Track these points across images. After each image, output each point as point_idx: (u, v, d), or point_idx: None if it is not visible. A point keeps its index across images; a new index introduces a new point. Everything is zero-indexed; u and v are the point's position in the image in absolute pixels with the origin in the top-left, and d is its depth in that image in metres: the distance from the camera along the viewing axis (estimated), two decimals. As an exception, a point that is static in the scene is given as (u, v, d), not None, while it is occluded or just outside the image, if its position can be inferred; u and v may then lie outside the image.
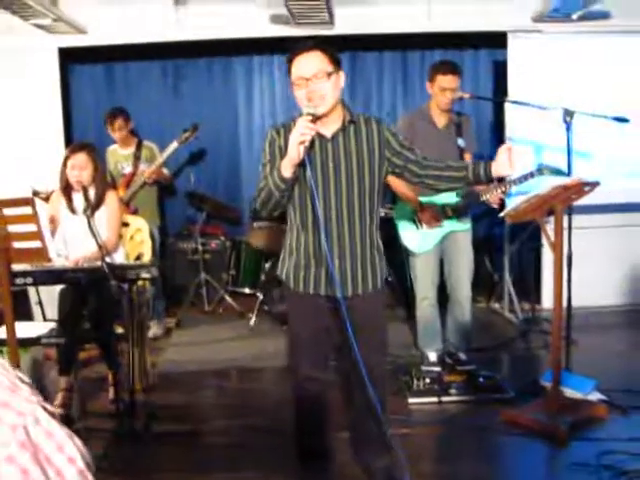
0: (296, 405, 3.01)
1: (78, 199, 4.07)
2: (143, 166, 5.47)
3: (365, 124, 2.79)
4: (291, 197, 2.75)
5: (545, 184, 3.56)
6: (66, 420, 3.83)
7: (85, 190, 3.97)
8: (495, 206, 4.36)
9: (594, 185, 3.59)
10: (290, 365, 3.04)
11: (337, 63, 2.69)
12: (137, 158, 5.48)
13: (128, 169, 5.45)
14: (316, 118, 2.59)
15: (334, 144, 2.74)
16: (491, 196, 4.32)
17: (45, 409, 1.09)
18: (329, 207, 2.74)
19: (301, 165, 2.60)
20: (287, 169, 2.57)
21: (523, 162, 2.67)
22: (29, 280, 3.55)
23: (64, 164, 4.11)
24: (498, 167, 2.70)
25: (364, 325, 2.75)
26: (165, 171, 5.63)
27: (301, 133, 2.50)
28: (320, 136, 2.70)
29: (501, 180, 4.72)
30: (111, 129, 5.42)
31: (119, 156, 5.47)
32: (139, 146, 5.53)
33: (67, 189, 4.13)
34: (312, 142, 2.63)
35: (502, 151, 2.69)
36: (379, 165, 2.79)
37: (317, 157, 2.71)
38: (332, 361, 3.00)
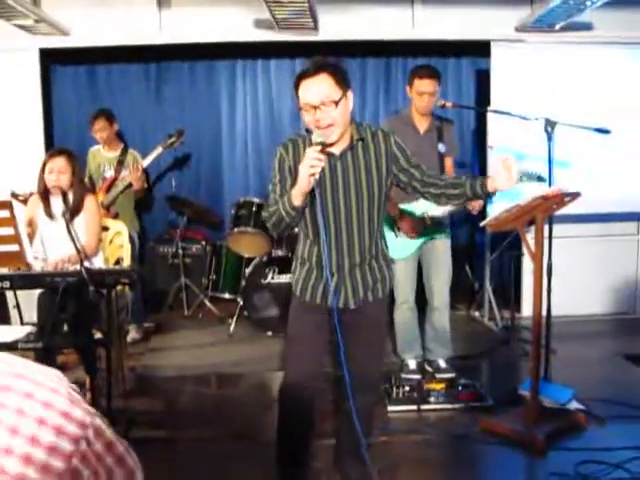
0: (282, 410, 2.99)
1: (56, 203, 4.03)
2: (125, 172, 5.43)
3: (372, 139, 2.77)
4: (303, 215, 2.77)
5: (526, 193, 3.56)
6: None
7: (64, 194, 3.94)
8: (475, 212, 4.38)
9: (575, 195, 3.61)
10: (285, 369, 3.00)
11: (346, 84, 2.65)
12: (120, 163, 5.44)
13: (110, 172, 5.40)
14: (326, 146, 2.59)
15: (343, 162, 2.74)
16: (471, 202, 4.33)
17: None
18: (339, 221, 2.76)
19: (320, 177, 2.62)
20: (297, 198, 2.59)
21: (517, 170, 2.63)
22: (6, 284, 3.50)
23: (42, 169, 4.08)
24: (496, 181, 2.65)
25: (367, 332, 2.83)
26: (142, 178, 5.55)
27: (310, 165, 2.50)
28: (329, 154, 2.68)
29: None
30: (92, 130, 5.37)
31: (102, 158, 5.42)
32: (124, 151, 5.49)
33: (45, 193, 4.09)
34: (320, 175, 2.62)
35: (501, 165, 2.64)
36: (385, 179, 2.79)
37: (326, 175, 2.71)
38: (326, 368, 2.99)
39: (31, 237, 4.11)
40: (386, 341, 3.07)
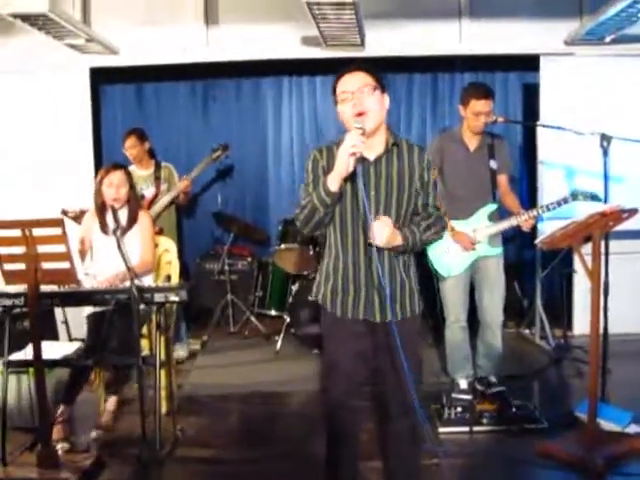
0: (329, 432, 2.93)
1: (112, 219, 4.05)
2: (163, 187, 5.47)
3: (408, 150, 2.77)
4: (332, 219, 2.73)
5: (580, 211, 3.48)
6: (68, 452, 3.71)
7: (114, 210, 3.96)
8: (526, 229, 4.30)
9: (633, 212, 3.50)
10: (324, 390, 2.97)
11: (382, 84, 2.71)
12: (157, 179, 5.48)
13: (147, 190, 5.44)
14: (365, 134, 2.57)
15: (376, 168, 2.71)
16: (523, 221, 4.26)
17: None
18: (369, 229, 2.70)
19: (347, 181, 2.60)
20: (334, 182, 2.56)
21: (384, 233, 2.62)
22: (56, 301, 3.53)
23: (99, 183, 4.11)
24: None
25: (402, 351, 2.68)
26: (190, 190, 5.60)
27: (352, 145, 2.49)
28: (363, 159, 2.66)
29: (533, 206, 4.67)
30: (124, 148, 5.43)
31: (137, 177, 5.43)
32: (157, 167, 5.53)
33: (101, 209, 4.12)
34: (361, 159, 2.60)
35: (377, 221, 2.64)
36: (416, 190, 2.77)
37: (359, 180, 2.66)
38: (366, 387, 2.92)
39: (84, 254, 4.14)
40: (422, 360, 2.96)
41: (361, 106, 2.62)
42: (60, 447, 3.70)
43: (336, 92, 2.70)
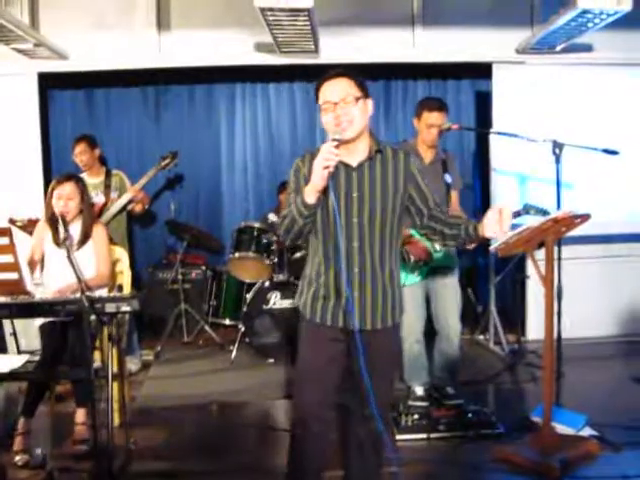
0: (295, 442, 2.89)
1: (62, 230, 3.94)
2: (113, 195, 5.37)
3: (393, 156, 2.75)
4: (314, 226, 2.71)
5: (532, 220, 3.51)
6: (44, 458, 3.65)
7: (64, 221, 3.85)
8: (469, 248, 4.31)
9: (585, 217, 3.55)
10: (296, 400, 2.90)
11: (365, 90, 2.68)
12: (107, 187, 5.37)
13: (97, 198, 5.32)
14: (342, 143, 2.56)
15: (359, 174, 2.69)
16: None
17: None
18: (352, 238, 2.69)
19: (325, 192, 2.57)
20: (310, 195, 2.54)
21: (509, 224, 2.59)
22: (5, 312, 3.41)
23: (50, 194, 4.00)
24: (486, 226, 2.58)
25: (376, 360, 2.67)
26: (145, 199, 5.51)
27: (325, 158, 2.47)
28: (345, 165, 2.66)
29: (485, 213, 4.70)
30: (74, 155, 5.32)
31: (87, 185, 5.34)
32: (108, 175, 5.43)
33: (53, 220, 4.00)
34: (336, 170, 2.58)
35: (494, 211, 2.58)
36: (402, 198, 2.74)
37: (342, 186, 2.67)
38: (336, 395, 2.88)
39: (34, 264, 4.02)
40: (397, 371, 2.95)
41: (344, 117, 2.60)
42: (19, 459, 3.64)
43: (319, 98, 2.68)
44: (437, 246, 4.29)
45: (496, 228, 2.55)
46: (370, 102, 2.71)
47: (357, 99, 2.62)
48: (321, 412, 2.77)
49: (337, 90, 2.63)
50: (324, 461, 2.90)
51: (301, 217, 2.59)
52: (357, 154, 2.69)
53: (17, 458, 3.65)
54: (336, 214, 2.58)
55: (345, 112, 2.60)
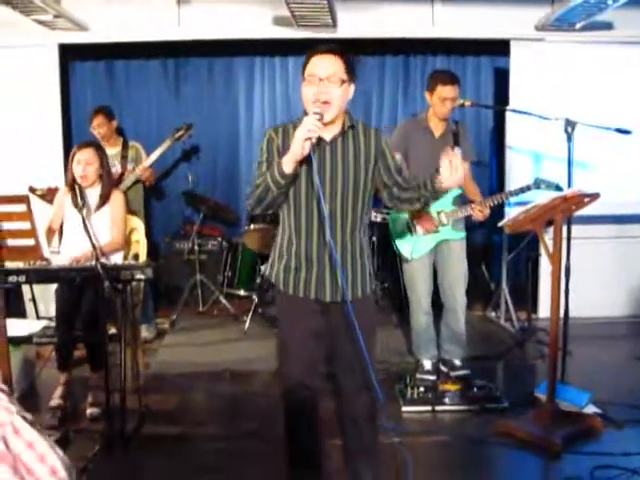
0: (286, 411, 2.95)
1: (79, 197, 4.04)
2: (130, 166, 5.43)
3: (364, 131, 2.79)
4: (286, 198, 2.74)
5: (544, 195, 3.53)
6: (61, 419, 3.82)
7: (81, 188, 3.94)
8: (478, 219, 4.33)
9: (594, 197, 3.56)
10: (280, 370, 3.00)
11: (352, 74, 2.69)
12: (124, 158, 5.44)
13: (113, 169, 5.39)
14: (322, 120, 2.57)
15: (332, 148, 2.72)
16: (476, 210, 4.29)
17: (25, 418, 1.06)
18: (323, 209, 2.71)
19: (302, 163, 2.60)
20: (289, 164, 2.56)
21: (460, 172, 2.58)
22: (22, 278, 3.50)
23: (71, 160, 4.11)
24: (444, 180, 2.61)
25: (353, 330, 2.67)
26: (152, 174, 5.56)
27: (308, 129, 2.49)
28: (319, 140, 2.68)
29: (499, 191, 4.72)
30: (91, 127, 5.39)
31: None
32: (125, 146, 5.49)
33: (73, 185, 4.10)
34: (317, 144, 2.61)
35: (444, 165, 2.59)
36: (372, 173, 2.79)
37: (314, 159, 2.67)
38: (322, 366, 2.95)
39: (53, 232, 4.13)
40: (377, 339, 2.98)
41: (326, 95, 2.60)
42: (53, 403, 3.93)
43: (305, 68, 2.67)
44: (444, 219, 4.33)
45: (450, 179, 2.58)
46: (353, 88, 2.70)
47: (342, 82, 2.63)
48: (307, 381, 2.82)
49: (325, 66, 2.62)
50: (317, 427, 2.95)
51: (276, 187, 2.61)
52: (331, 129, 2.70)
53: (51, 402, 3.92)
54: (318, 183, 2.59)
55: (327, 91, 2.60)
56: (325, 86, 2.61)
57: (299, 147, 2.51)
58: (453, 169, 2.57)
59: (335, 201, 2.73)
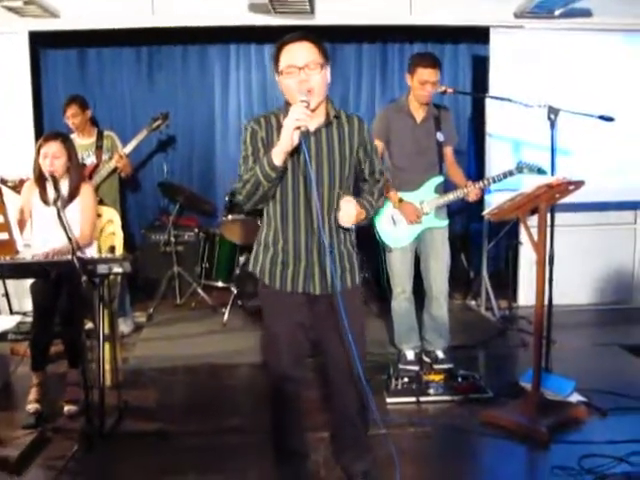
0: (273, 404, 2.94)
1: (52, 190, 3.90)
2: (105, 156, 5.32)
3: (348, 121, 2.76)
4: (277, 186, 2.68)
5: (526, 184, 3.49)
6: (38, 417, 3.72)
7: (55, 180, 3.80)
8: (472, 200, 4.32)
9: (579, 184, 3.54)
10: (267, 363, 2.97)
11: (327, 57, 2.64)
12: (99, 148, 5.32)
13: (88, 159, 5.29)
14: (309, 108, 2.51)
15: (317, 139, 2.68)
16: (469, 192, 4.27)
17: None
18: (309, 200, 2.68)
19: (293, 154, 2.55)
20: (279, 156, 2.50)
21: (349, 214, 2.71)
22: (-5, 273, 3.40)
23: (37, 152, 3.95)
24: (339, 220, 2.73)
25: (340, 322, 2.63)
26: (129, 163, 5.45)
27: (297, 118, 2.44)
28: (307, 131, 2.61)
29: (480, 178, 4.69)
30: (65, 117, 5.26)
31: (78, 146, 5.23)
32: (100, 136, 5.38)
33: (41, 179, 3.96)
34: (306, 132, 2.55)
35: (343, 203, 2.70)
36: (356, 161, 2.78)
37: (304, 154, 2.62)
38: (308, 359, 2.92)
39: (23, 224, 3.99)
40: (365, 330, 2.95)
41: (308, 83, 2.55)
42: (30, 407, 3.78)
43: (279, 61, 2.61)
44: (426, 208, 4.29)
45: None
46: (328, 70, 2.65)
47: (321, 66, 2.58)
48: (293, 373, 2.82)
49: (302, 54, 2.57)
50: (303, 420, 2.96)
51: (267, 180, 2.55)
52: (315, 120, 2.65)
53: (29, 407, 3.77)
54: (310, 174, 2.53)
55: (309, 78, 2.56)
56: (306, 74, 2.56)
57: (288, 137, 2.46)
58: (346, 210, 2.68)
59: (322, 191, 2.68)
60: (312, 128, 2.65)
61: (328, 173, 2.68)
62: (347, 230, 2.80)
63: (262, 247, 2.82)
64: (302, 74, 2.55)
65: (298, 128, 2.45)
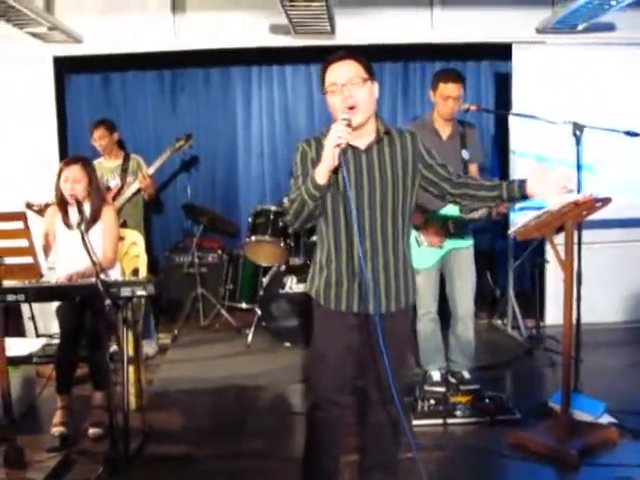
0: (311, 427, 2.89)
1: (74, 213, 3.92)
2: (130, 179, 5.36)
3: (399, 136, 2.73)
4: (324, 210, 2.67)
5: (550, 201, 3.44)
6: (63, 440, 3.72)
7: (79, 204, 3.83)
8: (498, 217, 4.28)
9: (606, 201, 3.48)
10: (312, 385, 2.92)
11: (371, 73, 2.64)
12: (124, 171, 5.37)
13: (113, 182, 5.33)
14: (350, 126, 2.50)
15: (368, 156, 2.66)
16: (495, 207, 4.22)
17: None
18: (363, 220, 2.65)
19: (336, 172, 2.53)
20: (321, 175, 2.49)
21: (561, 182, 2.60)
22: (21, 297, 3.40)
23: (58, 177, 3.98)
24: (535, 186, 2.62)
25: (391, 344, 2.58)
26: (152, 185, 5.47)
27: (337, 136, 2.43)
28: (353, 148, 2.63)
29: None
30: (92, 139, 5.31)
31: (104, 169, 5.31)
32: (126, 159, 5.43)
33: (63, 203, 4.00)
34: (346, 151, 2.55)
35: (536, 170, 2.62)
36: (412, 178, 2.72)
37: (351, 170, 2.62)
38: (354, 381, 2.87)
39: (48, 248, 4.02)
40: (409, 354, 2.92)
41: (351, 99, 2.56)
42: (55, 430, 3.78)
43: (325, 82, 2.63)
44: (451, 227, 4.25)
45: (541, 184, 2.59)
46: (376, 85, 2.66)
47: (364, 81, 2.58)
48: (338, 397, 2.77)
49: (343, 72, 2.58)
50: (340, 446, 2.91)
51: (312, 199, 2.54)
52: (365, 137, 2.65)
53: (54, 430, 3.78)
54: (347, 192, 2.52)
55: (352, 94, 2.56)
56: (348, 90, 2.56)
57: (330, 156, 2.45)
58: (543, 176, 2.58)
59: (375, 210, 2.66)
60: (362, 146, 2.65)
61: (381, 191, 2.65)
62: (403, 248, 2.75)
63: (317, 268, 2.81)
64: (345, 91, 2.56)
65: (338, 146, 2.43)
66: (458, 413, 3.93)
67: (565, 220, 3.44)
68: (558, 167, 2.59)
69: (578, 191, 3.93)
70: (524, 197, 2.65)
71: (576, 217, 3.52)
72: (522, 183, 2.65)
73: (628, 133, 4.14)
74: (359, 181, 2.64)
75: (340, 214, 2.66)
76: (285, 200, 5.60)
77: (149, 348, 5.31)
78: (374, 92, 2.65)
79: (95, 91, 6.51)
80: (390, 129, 2.72)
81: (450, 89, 4.17)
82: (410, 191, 2.71)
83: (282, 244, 5.56)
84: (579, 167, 3.98)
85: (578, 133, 3.94)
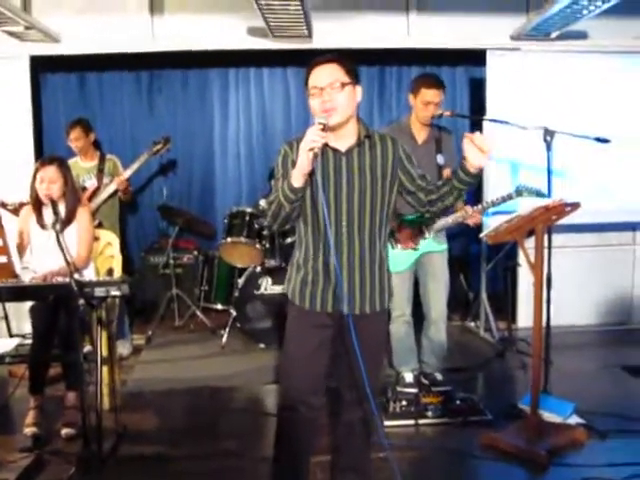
0: (281, 427, 2.90)
1: (49, 213, 3.92)
2: (106, 179, 5.35)
3: (380, 141, 2.75)
4: (302, 211, 2.70)
5: (525, 204, 3.51)
6: (36, 440, 3.71)
7: (54, 204, 3.83)
8: (472, 225, 4.33)
9: (575, 206, 3.55)
10: (283, 386, 2.95)
11: (354, 76, 2.66)
12: (100, 171, 5.36)
13: (89, 182, 5.32)
14: (328, 128, 2.54)
15: (348, 159, 2.68)
16: (469, 216, 4.27)
17: None
18: (340, 222, 2.68)
19: (312, 175, 2.55)
20: (297, 179, 2.53)
21: (493, 145, 2.54)
22: (-6, 296, 3.40)
23: (34, 177, 3.97)
24: (472, 161, 2.54)
25: (365, 345, 2.61)
26: (129, 187, 5.48)
27: (311, 140, 2.46)
28: (334, 150, 2.66)
29: (478, 201, 4.70)
30: (68, 140, 5.30)
31: (80, 169, 5.29)
32: (102, 159, 5.41)
33: (37, 203, 3.99)
34: (325, 155, 2.59)
35: (467, 144, 2.53)
36: (391, 183, 2.74)
37: (330, 171, 2.66)
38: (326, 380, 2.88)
39: (22, 248, 4.01)
40: (384, 356, 2.95)
41: (330, 103, 2.58)
42: (28, 430, 3.78)
43: (307, 83, 2.66)
44: (426, 233, 4.29)
45: (479, 155, 2.52)
46: (359, 89, 2.68)
47: (344, 85, 2.60)
48: (310, 398, 2.78)
49: (324, 75, 2.61)
50: (311, 446, 2.92)
51: (288, 202, 2.57)
52: (345, 139, 2.68)
53: (26, 430, 3.77)
54: (322, 196, 2.55)
55: (331, 98, 2.58)
56: (327, 94, 2.59)
57: (304, 159, 2.48)
58: (478, 147, 2.51)
59: (353, 213, 2.68)
60: (343, 149, 2.68)
61: (359, 194, 2.67)
62: (380, 251, 2.77)
63: (294, 268, 2.83)
64: (325, 95, 2.58)
65: (312, 149, 2.46)
66: (430, 414, 3.98)
67: (535, 224, 3.51)
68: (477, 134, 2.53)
69: (548, 195, 4.01)
70: (468, 173, 2.59)
71: (546, 221, 3.59)
72: (461, 164, 2.60)
73: (598, 139, 4.22)
74: (338, 183, 2.66)
75: (319, 215, 2.68)
76: (261, 202, 5.63)
77: (123, 348, 5.29)
78: (355, 95, 2.66)
79: (71, 91, 6.47)
80: (372, 133, 2.74)
81: (432, 95, 4.21)
82: (388, 195, 2.73)
83: (257, 245, 5.58)
84: (549, 172, 4.05)
85: (549, 139, 4.01)
